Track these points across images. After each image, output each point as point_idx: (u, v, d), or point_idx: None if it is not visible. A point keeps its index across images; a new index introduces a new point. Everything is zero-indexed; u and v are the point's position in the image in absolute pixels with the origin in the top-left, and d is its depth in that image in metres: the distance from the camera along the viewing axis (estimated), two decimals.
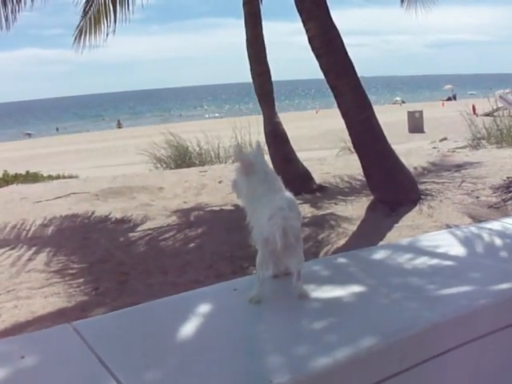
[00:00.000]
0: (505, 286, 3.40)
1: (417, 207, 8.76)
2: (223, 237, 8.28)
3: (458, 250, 4.06)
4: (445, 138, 21.84)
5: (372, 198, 9.25)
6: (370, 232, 7.98)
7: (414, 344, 2.89)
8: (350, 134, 9.09)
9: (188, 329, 2.94)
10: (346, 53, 8.81)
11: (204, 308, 3.21)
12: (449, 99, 71.05)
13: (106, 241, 8.61)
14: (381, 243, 7.42)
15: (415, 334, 2.89)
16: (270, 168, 3.51)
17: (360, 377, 2.68)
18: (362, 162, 9.13)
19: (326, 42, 8.76)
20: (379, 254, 4.01)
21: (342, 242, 7.73)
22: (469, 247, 4.11)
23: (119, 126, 70.67)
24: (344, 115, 8.90)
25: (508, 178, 9.97)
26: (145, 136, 31.05)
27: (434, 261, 3.85)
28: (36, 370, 2.58)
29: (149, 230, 8.95)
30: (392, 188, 8.91)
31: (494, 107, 35.78)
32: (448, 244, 4.18)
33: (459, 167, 11.90)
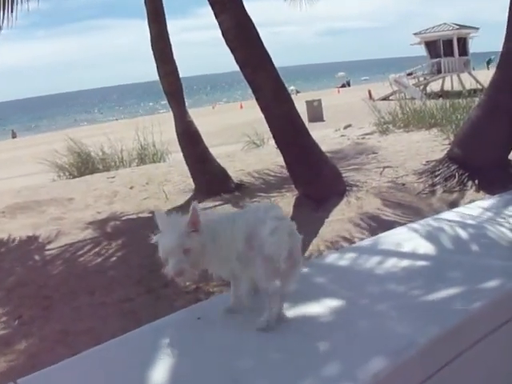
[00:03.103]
0: (492, 283, 3.16)
1: (344, 199, 8.51)
2: (147, 248, 7.72)
3: (426, 247, 3.81)
4: (349, 125, 21.93)
5: (296, 193, 8.95)
6: (302, 229, 7.60)
7: (418, 362, 2.59)
8: (271, 129, 8.74)
9: (154, 372, 2.51)
10: (263, 45, 8.46)
11: (167, 343, 2.77)
12: (343, 86, 72.00)
13: (20, 262, 7.99)
14: (315, 240, 7.16)
15: (418, 352, 2.59)
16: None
17: None
18: (284, 157, 8.82)
19: (241, 35, 8.38)
20: (344, 260, 3.68)
21: None
22: (436, 243, 3.86)
23: (14, 135, 68.34)
24: (263, 109, 8.55)
25: (428, 162, 9.87)
26: (42, 144, 30.00)
27: (405, 262, 3.57)
28: None
29: (65, 245, 8.36)
30: (317, 182, 8.61)
31: (389, 91, 36.57)
32: (412, 241, 3.91)
33: (374, 154, 11.80)
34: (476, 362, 2.87)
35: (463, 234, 4.01)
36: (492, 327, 2.94)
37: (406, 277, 3.33)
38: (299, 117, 8.73)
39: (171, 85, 10.47)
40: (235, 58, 8.42)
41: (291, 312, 2.91)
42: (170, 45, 10.45)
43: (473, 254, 3.65)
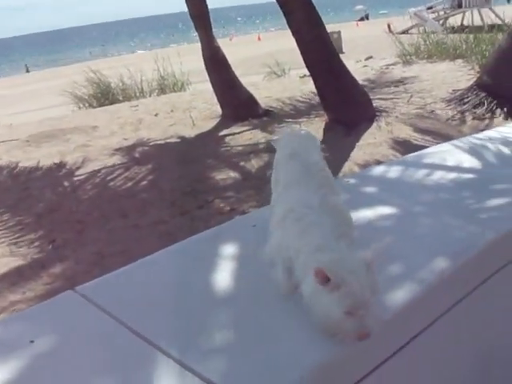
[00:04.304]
0: None
1: (374, 124, 8.50)
2: (178, 171, 7.83)
3: (471, 161, 3.78)
4: (370, 57, 21.67)
5: (325, 118, 8.91)
6: (333, 153, 7.58)
7: (477, 264, 2.61)
8: (302, 53, 8.65)
9: (209, 276, 2.51)
10: None
11: (225, 249, 2.76)
12: (361, 19, 70.58)
13: (49, 189, 8.02)
14: (347, 163, 7.16)
15: (478, 254, 2.59)
16: None
17: (438, 304, 2.40)
18: (315, 81, 8.77)
19: None
20: (392, 172, 3.66)
21: None
22: (480, 159, 3.82)
23: (27, 70, 67.94)
24: (295, 33, 8.47)
25: (454, 90, 9.81)
26: (57, 77, 29.78)
27: (453, 175, 3.54)
28: (55, 354, 2.09)
29: (94, 171, 8.40)
30: (348, 106, 8.58)
31: (409, 25, 35.97)
32: (456, 156, 3.88)
33: (400, 82, 11.70)
34: None
35: (505, 150, 3.97)
36: None
37: (455, 188, 3.32)
38: (331, 41, 8.65)
39: (197, 8, 10.30)
40: None
41: None
42: None
43: None
